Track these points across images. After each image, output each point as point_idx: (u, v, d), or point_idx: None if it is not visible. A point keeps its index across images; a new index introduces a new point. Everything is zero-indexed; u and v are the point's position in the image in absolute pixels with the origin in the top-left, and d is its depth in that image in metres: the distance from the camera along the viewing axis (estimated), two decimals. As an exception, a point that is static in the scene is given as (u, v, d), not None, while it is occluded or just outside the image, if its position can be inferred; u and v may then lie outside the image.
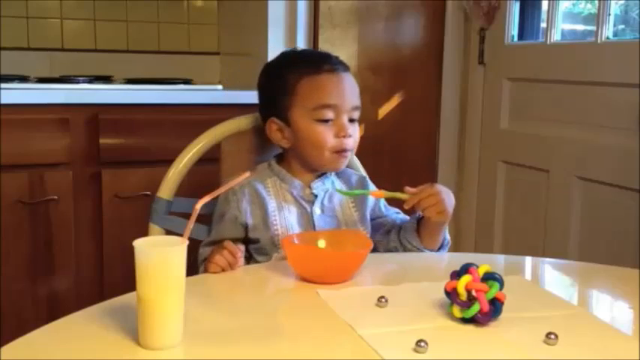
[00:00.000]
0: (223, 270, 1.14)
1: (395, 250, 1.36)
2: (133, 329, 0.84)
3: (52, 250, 2.05)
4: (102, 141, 2.06)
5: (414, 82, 2.49)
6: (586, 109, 2.08)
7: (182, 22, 2.73)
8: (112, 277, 2.09)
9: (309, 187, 1.34)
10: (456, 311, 0.90)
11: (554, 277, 1.29)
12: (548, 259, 1.41)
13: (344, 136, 1.30)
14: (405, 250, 1.34)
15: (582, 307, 1.06)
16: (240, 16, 2.57)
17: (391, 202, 1.38)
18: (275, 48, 2.30)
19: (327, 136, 1.29)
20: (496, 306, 0.90)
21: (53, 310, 2.04)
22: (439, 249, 1.34)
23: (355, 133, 1.33)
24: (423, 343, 0.81)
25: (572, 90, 2.12)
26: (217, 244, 1.23)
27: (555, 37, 2.21)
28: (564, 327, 0.88)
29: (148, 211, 1.43)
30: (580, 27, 2.35)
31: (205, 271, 1.16)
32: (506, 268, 1.27)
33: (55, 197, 2.02)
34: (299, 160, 1.35)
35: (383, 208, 1.42)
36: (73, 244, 2.07)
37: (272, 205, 1.31)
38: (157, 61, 2.67)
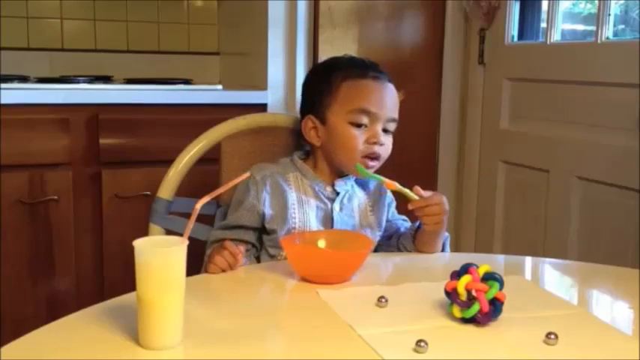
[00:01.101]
0: (223, 271, 1.14)
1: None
2: (133, 329, 0.84)
3: (52, 250, 2.05)
4: (102, 141, 2.06)
5: (414, 82, 2.49)
6: (586, 109, 2.08)
7: (182, 22, 2.73)
8: (112, 278, 2.09)
9: (331, 186, 1.36)
10: (456, 311, 0.90)
11: (554, 277, 1.29)
12: (548, 259, 1.41)
13: (375, 143, 1.31)
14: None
15: (582, 307, 1.06)
16: (240, 16, 2.57)
17: (397, 200, 1.39)
18: (275, 48, 2.31)
19: (358, 140, 1.31)
20: (496, 306, 0.90)
21: (53, 310, 2.04)
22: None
23: (388, 142, 1.34)
24: (423, 343, 0.81)
25: (572, 90, 2.12)
26: (232, 229, 1.28)
27: (555, 37, 2.21)
28: (564, 327, 0.88)
29: (148, 211, 1.43)
30: (580, 27, 2.35)
31: (205, 271, 1.16)
32: (506, 268, 1.27)
33: (55, 197, 2.02)
34: (326, 160, 1.36)
35: (389, 215, 1.44)
36: (73, 244, 2.07)
37: (292, 198, 1.32)
38: (157, 61, 2.67)
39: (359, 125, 1.31)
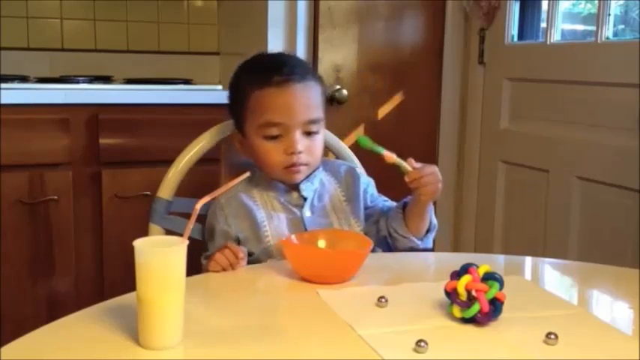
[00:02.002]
0: (224, 269, 1.13)
1: (385, 239, 1.34)
2: (133, 329, 0.84)
3: (52, 250, 2.05)
4: (102, 141, 2.06)
5: (414, 82, 2.49)
6: (586, 109, 2.08)
7: (182, 22, 2.73)
8: (112, 277, 2.09)
9: (297, 190, 1.32)
10: (456, 311, 0.90)
11: (554, 277, 1.29)
12: (548, 259, 1.40)
13: (292, 153, 1.25)
14: (392, 238, 1.33)
15: (582, 307, 1.06)
16: (240, 16, 2.57)
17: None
18: (275, 48, 2.30)
19: (274, 153, 1.26)
20: (496, 306, 0.90)
21: (53, 310, 2.04)
22: (427, 233, 1.33)
23: (312, 146, 1.28)
24: (423, 343, 0.81)
25: (572, 90, 2.12)
26: None
27: (555, 37, 2.21)
28: (564, 327, 0.88)
29: (148, 211, 1.43)
30: (580, 27, 2.35)
31: (206, 269, 1.16)
32: (506, 268, 1.27)
33: (55, 197, 2.02)
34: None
35: (370, 199, 1.39)
36: (73, 244, 2.07)
37: (261, 215, 1.28)
38: (157, 61, 2.67)
39: (274, 137, 1.26)
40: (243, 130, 1.31)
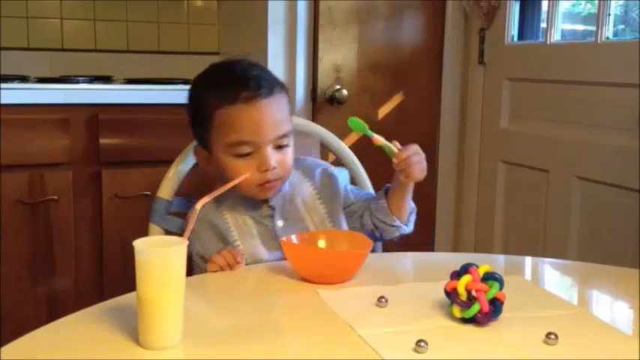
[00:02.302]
0: (222, 269, 1.13)
1: (371, 232, 1.33)
2: (133, 329, 0.84)
3: (52, 250, 2.05)
4: (102, 141, 2.06)
5: (414, 82, 2.49)
6: (586, 109, 2.08)
7: (182, 22, 2.73)
8: (112, 277, 2.09)
9: (265, 201, 1.28)
10: (456, 311, 0.90)
11: (554, 277, 1.29)
12: (548, 259, 1.40)
13: (265, 170, 1.21)
14: (380, 229, 1.32)
15: (582, 307, 1.06)
16: (240, 16, 2.57)
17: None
18: (275, 48, 2.31)
19: (246, 171, 1.19)
20: (496, 306, 0.90)
21: (53, 310, 2.04)
22: (409, 216, 1.33)
23: (283, 160, 1.23)
24: (423, 343, 0.81)
25: (572, 90, 2.12)
26: None
27: (555, 37, 2.21)
28: (564, 327, 0.88)
29: (148, 211, 1.42)
30: (580, 27, 2.35)
31: (204, 271, 1.16)
32: (506, 268, 1.27)
33: (55, 197, 2.02)
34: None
35: (351, 195, 1.37)
36: (73, 244, 2.07)
37: (233, 234, 1.25)
38: (157, 61, 2.66)
39: (245, 155, 1.20)
40: (208, 147, 1.25)
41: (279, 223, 1.28)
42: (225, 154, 1.22)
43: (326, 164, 1.41)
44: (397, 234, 1.33)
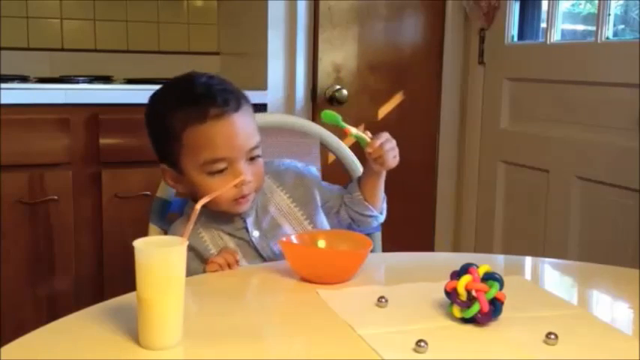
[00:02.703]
0: (221, 268, 1.13)
1: (349, 225, 1.33)
2: (133, 329, 0.84)
3: (52, 250, 2.05)
4: (102, 141, 2.06)
5: (414, 82, 2.49)
6: (586, 109, 2.08)
7: (182, 22, 2.73)
8: (112, 278, 2.09)
9: (237, 214, 1.25)
10: (456, 311, 0.90)
11: (554, 277, 1.29)
12: (548, 259, 1.40)
13: (243, 184, 1.18)
14: (357, 222, 1.33)
15: (582, 307, 1.06)
16: (240, 16, 2.57)
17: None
18: (275, 48, 2.31)
19: (222, 188, 1.13)
20: (496, 306, 0.90)
21: (53, 310, 2.04)
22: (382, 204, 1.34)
23: (257, 171, 1.22)
24: (423, 343, 0.81)
25: (572, 90, 2.12)
26: None
27: (555, 37, 2.21)
28: (564, 327, 0.88)
29: (148, 211, 1.43)
30: (580, 27, 2.35)
31: (204, 270, 1.16)
32: (506, 268, 1.27)
33: (55, 197, 2.02)
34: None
35: (327, 192, 1.35)
36: (73, 244, 2.07)
37: (212, 253, 1.22)
38: (157, 61, 2.67)
39: (219, 171, 1.18)
40: (178, 167, 1.21)
41: (255, 233, 1.26)
42: (199, 173, 1.18)
43: (294, 163, 1.38)
44: (375, 224, 1.34)
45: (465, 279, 0.90)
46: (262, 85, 2.29)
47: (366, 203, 1.31)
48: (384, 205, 1.35)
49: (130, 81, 2.37)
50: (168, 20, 2.70)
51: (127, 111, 2.09)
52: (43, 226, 2.03)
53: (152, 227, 1.41)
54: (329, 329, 0.90)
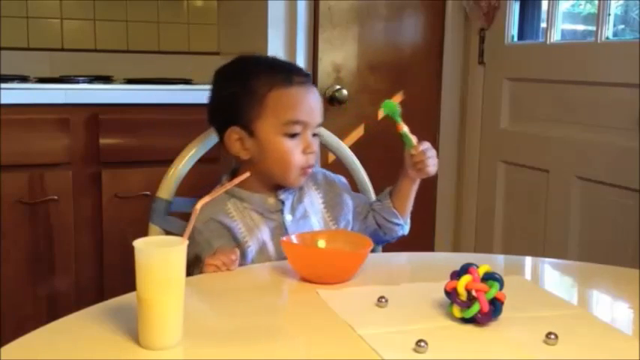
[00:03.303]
0: (219, 269, 1.13)
1: (375, 232, 1.37)
2: (133, 329, 0.84)
3: (52, 250, 2.05)
4: (102, 141, 2.06)
5: (414, 82, 2.49)
6: (586, 109, 2.08)
7: (182, 22, 2.73)
8: (112, 277, 2.09)
9: (274, 196, 1.30)
10: (456, 311, 0.90)
11: (554, 277, 1.29)
12: (548, 259, 1.41)
13: (310, 153, 1.27)
14: (383, 229, 1.37)
15: (582, 307, 1.06)
16: (240, 16, 2.57)
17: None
18: (275, 48, 2.31)
19: (294, 152, 1.25)
20: (496, 306, 0.90)
21: (53, 310, 2.04)
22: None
23: (318, 148, 1.31)
24: (423, 343, 0.81)
25: (572, 90, 2.12)
26: None
27: (555, 37, 2.21)
28: (564, 327, 0.88)
29: (148, 211, 1.43)
30: (580, 27, 2.35)
31: (201, 271, 1.16)
32: (506, 268, 1.27)
33: (55, 197, 2.02)
34: (259, 174, 1.26)
35: (357, 199, 1.40)
36: (73, 244, 2.07)
37: (240, 230, 1.26)
38: (157, 61, 2.67)
39: (293, 135, 1.25)
40: (249, 128, 1.27)
41: (289, 217, 1.30)
42: (276, 133, 1.25)
43: (324, 170, 1.43)
44: (400, 232, 1.38)
45: (465, 279, 0.90)
46: (262, 85, 2.29)
47: (395, 210, 1.35)
48: (409, 218, 1.39)
49: (130, 81, 2.37)
50: (168, 20, 2.70)
51: (127, 111, 2.09)
52: (43, 226, 2.03)
53: (152, 227, 1.41)
54: (329, 329, 0.90)
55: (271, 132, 1.25)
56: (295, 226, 1.29)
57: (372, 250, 1.17)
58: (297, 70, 1.31)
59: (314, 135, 1.29)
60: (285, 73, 1.28)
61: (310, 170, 1.29)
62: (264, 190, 1.30)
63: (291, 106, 1.25)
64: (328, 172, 1.42)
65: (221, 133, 1.31)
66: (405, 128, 1.29)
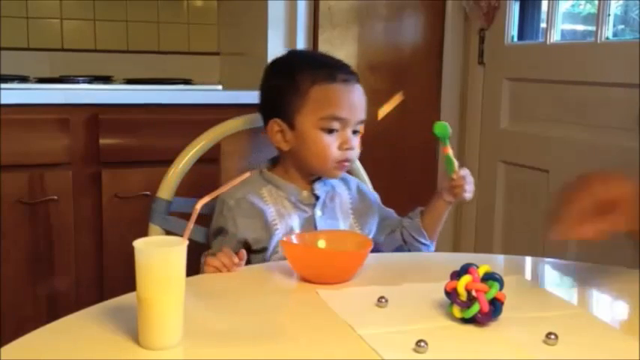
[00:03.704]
0: (218, 270, 1.13)
1: (400, 247, 1.39)
2: (133, 329, 0.84)
3: (52, 250, 2.05)
4: (102, 141, 2.06)
5: (414, 82, 2.49)
6: (586, 109, 2.08)
7: (182, 22, 2.73)
8: (112, 277, 2.09)
9: (310, 189, 1.34)
10: (456, 311, 0.90)
11: (554, 277, 1.29)
12: (548, 259, 1.40)
13: (347, 149, 1.29)
14: (409, 246, 1.38)
15: (582, 307, 1.06)
16: (240, 16, 2.57)
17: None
18: (275, 48, 2.31)
19: (331, 146, 1.28)
20: (496, 306, 0.90)
21: (53, 310, 2.04)
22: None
23: (357, 145, 1.33)
24: (423, 343, 0.81)
25: (572, 90, 2.12)
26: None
27: (555, 37, 2.21)
28: (564, 327, 0.88)
29: (148, 211, 1.43)
30: (580, 27, 2.35)
31: (202, 271, 1.16)
32: (506, 268, 1.27)
33: (55, 197, 2.02)
34: (297, 165, 1.33)
35: (386, 212, 1.44)
36: (73, 244, 2.07)
37: (272, 214, 1.30)
38: (156, 61, 2.67)
39: (330, 131, 1.28)
40: (290, 120, 1.31)
41: (319, 212, 1.33)
42: (314, 128, 1.28)
43: (359, 181, 1.47)
44: (423, 251, 1.40)
45: (465, 279, 0.90)
46: (262, 85, 2.29)
47: (423, 230, 1.37)
48: (435, 240, 1.41)
49: (129, 81, 2.37)
50: (168, 20, 2.70)
51: (127, 111, 2.09)
52: (43, 226, 2.03)
53: (152, 227, 1.41)
54: (329, 329, 0.90)
55: (310, 126, 1.29)
56: (323, 223, 1.32)
57: (372, 250, 1.17)
58: (342, 67, 1.33)
59: (355, 132, 1.32)
60: (328, 69, 1.31)
61: (348, 164, 1.32)
62: (300, 182, 1.34)
63: (330, 102, 1.29)
64: (362, 185, 1.46)
65: (265, 123, 1.36)
66: (450, 152, 1.31)
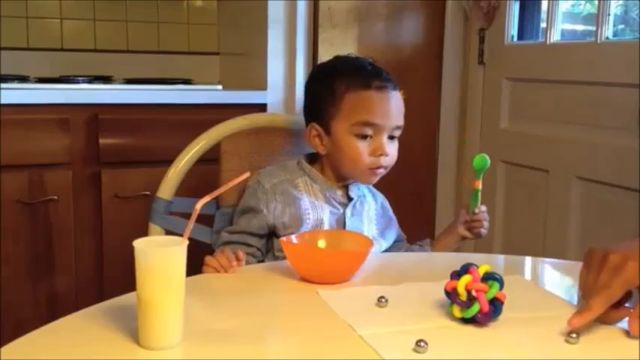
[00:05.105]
0: (216, 270, 1.13)
1: None
2: (133, 329, 0.84)
3: (52, 250, 2.05)
4: (102, 141, 2.06)
5: (414, 82, 2.49)
6: (586, 109, 2.08)
7: (182, 22, 2.73)
8: (112, 278, 2.09)
9: (344, 190, 1.37)
10: (456, 311, 0.90)
11: (554, 277, 1.29)
12: (548, 259, 1.40)
13: (380, 155, 1.30)
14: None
15: (582, 307, 1.06)
16: (240, 16, 2.57)
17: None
18: (275, 48, 2.31)
19: (362, 153, 1.30)
20: (496, 306, 0.90)
21: (53, 310, 2.05)
22: None
23: (393, 151, 1.34)
24: (423, 343, 0.81)
25: (572, 90, 2.12)
26: (239, 233, 1.30)
27: (555, 37, 2.21)
28: (564, 327, 0.88)
29: (148, 211, 1.43)
30: (580, 27, 2.35)
31: (202, 271, 1.16)
32: (506, 268, 1.27)
33: (55, 197, 2.02)
34: (333, 168, 1.36)
35: (400, 234, 1.47)
36: (73, 244, 2.07)
37: (305, 203, 1.32)
38: (156, 61, 2.67)
39: (364, 137, 1.30)
40: (326, 126, 1.33)
41: (349, 213, 1.35)
42: (347, 133, 1.30)
43: (383, 196, 1.49)
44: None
45: (465, 279, 0.90)
46: (262, 85, 2.29)
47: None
48: None
49: (129, 81, 2.37)
50: (168, 20, 2.70)
51: (126, 111, 2.09)
52: (43, 226, 2.03)
53: (152, 227, 1.41)
54: (329, 329, 0.90)
55: (343, 132, 1.31)
56: (351, 225, 1.34)
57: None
58: (379, 74, 1.34)
59: (392, 138, 1.33)
60: (364, 76, 1.32)
61: (382, 170, 1.33)
62: (335, 184, 1.36)
63: (362, 109, 1.30)
64: (386, 202, 1.47)
65: (306, 126, 1.38)
66: (479, 187, 1.34)
